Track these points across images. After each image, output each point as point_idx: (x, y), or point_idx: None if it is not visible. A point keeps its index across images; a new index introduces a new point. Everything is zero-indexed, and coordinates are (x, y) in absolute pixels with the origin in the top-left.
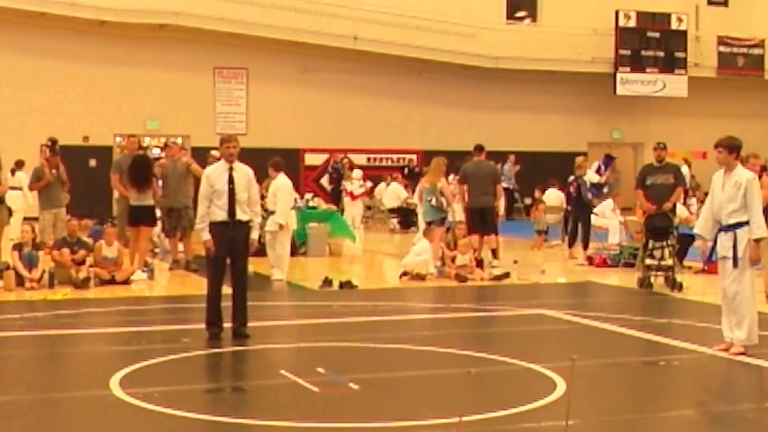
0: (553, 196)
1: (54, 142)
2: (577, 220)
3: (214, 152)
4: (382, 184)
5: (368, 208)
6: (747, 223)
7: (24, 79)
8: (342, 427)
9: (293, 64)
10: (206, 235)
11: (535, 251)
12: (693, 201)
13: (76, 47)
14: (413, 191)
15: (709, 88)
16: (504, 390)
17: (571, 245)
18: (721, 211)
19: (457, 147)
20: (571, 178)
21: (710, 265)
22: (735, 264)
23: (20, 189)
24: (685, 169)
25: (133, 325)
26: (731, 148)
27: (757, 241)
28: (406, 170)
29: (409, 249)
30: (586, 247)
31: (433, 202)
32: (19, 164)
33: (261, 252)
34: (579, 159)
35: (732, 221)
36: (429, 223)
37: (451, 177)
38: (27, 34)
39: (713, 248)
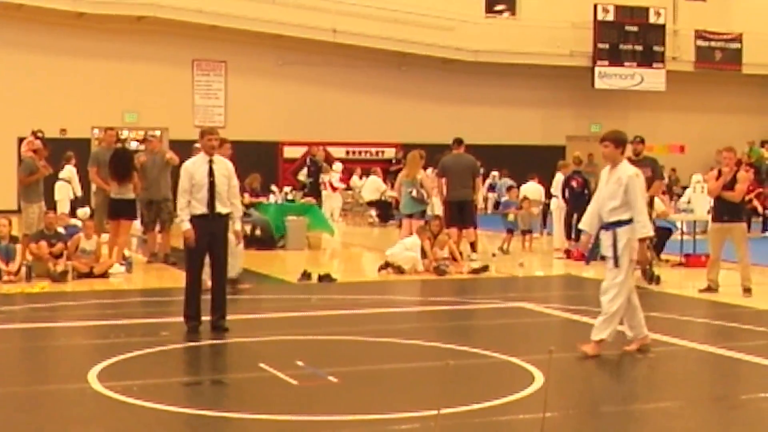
0: (532, 190)
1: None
2: (574, 213)
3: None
4: (355, 177)
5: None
6: (628, 221)
7: (1, 71)
8: (321, 420)
9: (272, 57)
10: (186, 225)
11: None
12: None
13: (54, 39)
14: (392, 185)
15: (686, 82)
16: (482, 382)
17: (569, 237)
18: (603, 208)
19: (436, 140)
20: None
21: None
22: (616, 263)
23: (68, 181)
24: None
25: (111, 319)
26: (617, 141)
27: (642, 240)
28: (393, 160)
29: (390, 241)
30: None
31: (414, 193)
32: (68, 159)
33: (247, 245)
34: (578, 153)
35: (612, 219)
36: (409, 216)
37: (429, 170)
38: (4, 26)
39: (595, 245)
